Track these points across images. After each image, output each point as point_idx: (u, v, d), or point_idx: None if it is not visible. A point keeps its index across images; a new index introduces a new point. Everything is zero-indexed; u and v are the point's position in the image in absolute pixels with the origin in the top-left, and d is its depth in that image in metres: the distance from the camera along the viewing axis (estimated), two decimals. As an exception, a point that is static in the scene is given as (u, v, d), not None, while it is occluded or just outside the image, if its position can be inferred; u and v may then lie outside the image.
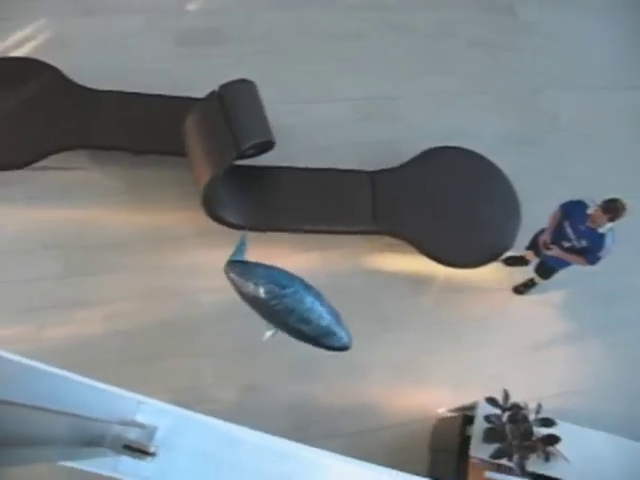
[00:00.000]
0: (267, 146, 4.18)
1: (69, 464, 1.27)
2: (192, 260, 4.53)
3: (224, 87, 4.14)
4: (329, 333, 3.22)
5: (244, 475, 1.44)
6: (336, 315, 3.26)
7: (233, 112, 4.05)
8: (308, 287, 3.27)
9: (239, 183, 4.43)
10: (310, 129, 5.17)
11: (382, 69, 5.66)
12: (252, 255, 4.57)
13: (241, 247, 3.61)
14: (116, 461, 1.30)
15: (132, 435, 1.29)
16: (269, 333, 3.36)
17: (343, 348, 3.28)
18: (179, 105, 4.53)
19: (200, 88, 4.32)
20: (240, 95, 4.19)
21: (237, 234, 4.50)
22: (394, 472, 1.92)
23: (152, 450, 1.27)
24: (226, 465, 1.42)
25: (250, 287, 3.26)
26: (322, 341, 3.26)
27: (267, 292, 3.19)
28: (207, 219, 4.31)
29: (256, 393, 4.22)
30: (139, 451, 1.27)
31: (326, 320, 3.19)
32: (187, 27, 5.57)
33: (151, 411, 1.36)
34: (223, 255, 4.57)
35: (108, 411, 1.31)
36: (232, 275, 3.38)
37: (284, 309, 3.18)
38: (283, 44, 5.64)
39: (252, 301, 3.31)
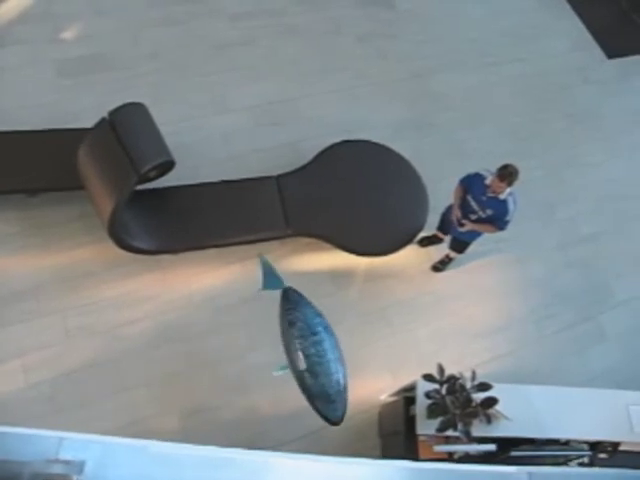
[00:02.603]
0: (167, 166, 4.10)
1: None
2: (110, 293, 4.37)
3: (114, 113, 4.02)
4: (328, 400, 3.19)
5: (187, 492, 1.41)
6: (344, 388, 3.24)
7: (126, 137, 3.94)
8: (336, 347, 3.29)
9: (145, 208, 4.32)
10: (211, 142, 5.12)
11: (275, 73, 5.69)
12: (171, 279, 4.51)
13: (267, 268, 3.68)
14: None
15: (57, 471, 1.23)
16: (279, 370, 3.40)
17: (332, 422, 3.25)
18: (70, 137, 4.35)
19: (90, 117, 4.18)
20: (131, 119, 4.08)
21: (152, 259, 4.44)
22: (342, 459, 1.94)
23: (75, 479, 1.22)
24: (166, 485, 1.39)
25: (290, 317, 3.36)
26: (317, 402, 3.24)
27: (298, 329, 3.26)
28: (118, 249, 4.18)
29: (199, 416, 4.13)
30: (61, 484, 1.22)
31: (332, 386, 3.18)
32: (68, 56, 5.36)
33: (75, 446, 1.30)
34: (141, 283, 4.49)
35: (27, 452, 1.25)
36: (285, 301, 3.48)
37: (301, 351, 3.21)
38: (172, 61, 5.56)
39: (283, 330, 3.39)
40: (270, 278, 3.64)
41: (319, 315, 3.41)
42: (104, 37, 5.54)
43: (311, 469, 1.73)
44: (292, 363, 3.31)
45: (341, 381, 3.22)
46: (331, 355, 3.21)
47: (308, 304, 3.46)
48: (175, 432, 4.03)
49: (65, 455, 1.27)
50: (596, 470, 3.40)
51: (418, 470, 2.16)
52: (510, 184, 3.87)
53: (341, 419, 3.24)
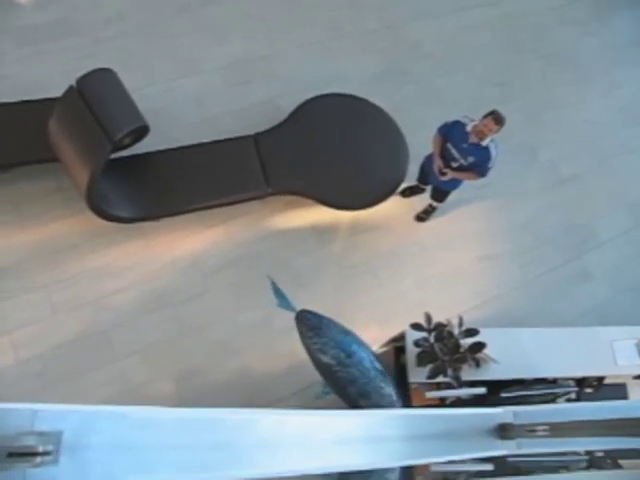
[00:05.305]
0: (142, 132, 4.01)
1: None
2: (93, 264, 4.33)
3: (82, 80, 3.88)
4: None
5: (169, 454, 1.42)
6: (397, 398, 3.21)
7: (97, 104, 3.82)
8: (376, 359, 3.22)
9: (122, 176, 4.24)
10: (184, 105, 4.99)
11: (244, 31, 5.51)
12: (154, 246, 4.48)
13: (277, 291, 3.44)
14: (23, 475, 1.23)
15: (29, 442, 1.22)
16: (322, 394, 3.37)
17: None
18: (38, 108, 4.22)
19: (57, 87, 4.02)
20: (101, 85, 3.95)
21: (134, 227, 4.39)
22: (334, 411, 1.96)
23: (41, 450, 1.21)
24: (148, 449, 1.39)
25: (317, 346, 3.16)
26: None
27: (332, 357, 3.11)
28: (98, 219, 4.12)
29: (191, 380, 4.17)
30: (27, 455, 1.21)
31: (386, 399, 3.14)
32: (26, 24, 5.13)
33: (51, 417, 1.28)
34: (124, 252, 4.46)
35: (-2, 427, 1.24)
36: (302, 327, 3.25)
37: (345, 378, 3.12)
38: (136, 25, 5.34)
39: (315, 360, 3.23)
40: (281, 299, 3.42)
41: (346, 332, 3.26)
42: (62, 2, 5.32)
43: (299, 423, 1.75)
44: (337, 389, 3.26)
45: (391, 393, 3.22)
46: (374, 371, 3.18)
47: (330, 323, 3.25)
48: (169, 398, 4.07)
49: (40, 426, 1.26)
50: (579, 404, 3.49)
51: (409, 416, 2.19)
52: (502, 126, 3.83)
53: None
